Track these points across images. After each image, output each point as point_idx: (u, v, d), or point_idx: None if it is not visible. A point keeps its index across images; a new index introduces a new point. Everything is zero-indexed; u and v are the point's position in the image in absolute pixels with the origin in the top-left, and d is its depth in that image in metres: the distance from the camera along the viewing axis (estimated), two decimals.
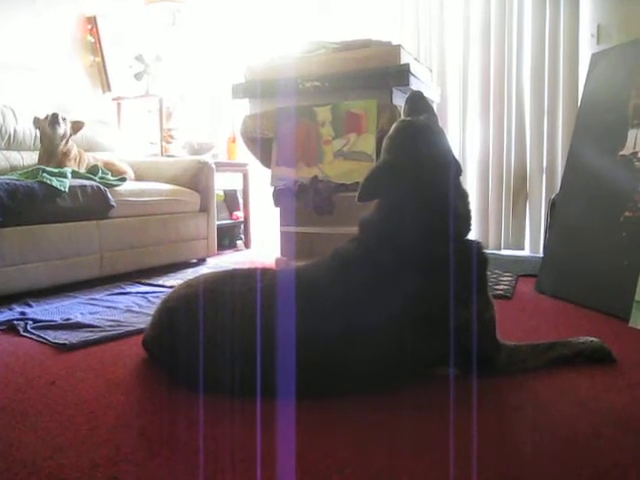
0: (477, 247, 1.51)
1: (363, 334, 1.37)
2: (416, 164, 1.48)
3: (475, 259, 1.47)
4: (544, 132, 3.70)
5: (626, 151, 2.35)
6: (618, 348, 1.65)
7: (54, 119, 3.17)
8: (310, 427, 1.21)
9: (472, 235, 1.58)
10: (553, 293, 2.53)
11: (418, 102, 1.67)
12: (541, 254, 3.29)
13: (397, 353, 1.39)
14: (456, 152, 3.88)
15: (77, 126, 3.32)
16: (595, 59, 2.76)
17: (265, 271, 1.57)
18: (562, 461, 1.07)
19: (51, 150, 3.18)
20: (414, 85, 2.93)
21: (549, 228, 2.92)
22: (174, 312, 1.51)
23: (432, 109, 1.69)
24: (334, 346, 1.36)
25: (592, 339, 1.64)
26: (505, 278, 2.93)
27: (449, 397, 1.35)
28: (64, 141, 3.22)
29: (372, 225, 1.52)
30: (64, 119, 3.23)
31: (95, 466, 1.05)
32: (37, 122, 3.24)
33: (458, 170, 1.55)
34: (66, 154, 3.22)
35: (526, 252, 3.84)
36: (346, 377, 1.38)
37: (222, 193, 4.58)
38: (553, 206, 2.91)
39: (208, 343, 1.37)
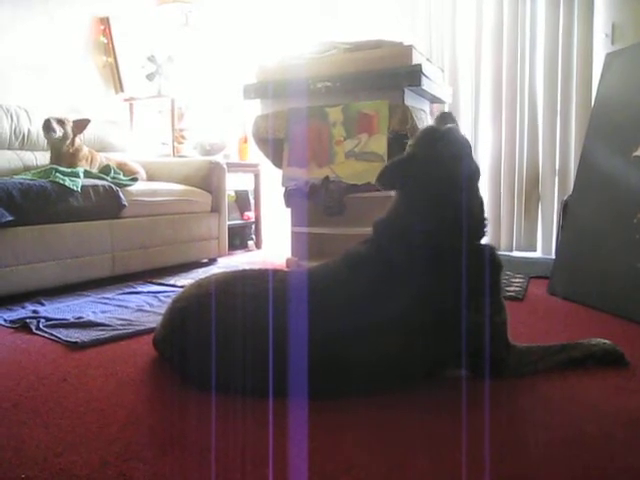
0: (490, 251, 1.51)
1: (373, 333, 1.37)
2: (435, 164, 1.50)
3: (488, 263, 1.46)
4: (557, 132, 3.67)
5: None
6: (630, 351, 1.64)
7: (46, 126, 3.16)
8: (319, 427, 1.21)
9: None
10: (565, 295, 2.51)
11: (446, 119, 1.69)
12: (553, 256, 3.26)
13: (406, 352, 1.39)
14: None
15: (81, 124, 3.31)
16: (609, 59, 2.74)
17: (276, 272, 1.57)
18: (572, 463, 1.06)
19: (56, 153, 3.20)
20: (426, 85, 2.93)
21: (561, 229, 2.89)
22: (184, 312, 1.51)
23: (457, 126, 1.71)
24: (345, 346, 1.36)
25: (604, 341, 1.62)
26: (517, 280, 2.91)
27: (460, 398, 1.34)
28: (67, 142, 3.22)
29: (385, 223, 1.54)
30: (61, 121, 3.21)
31: (105, 463, 1.06)
32: None
33: (476, 175, 1.56)
34: (74, 154, 3.22)
35: (538, 254, 3.82)
36: (358, 377, 1.38)
37: (233, 193, 4.59)
38: (565, 207, 2.89)
39: (218, 343, 1.37)
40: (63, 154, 3.18)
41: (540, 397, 1.40)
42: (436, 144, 1.54)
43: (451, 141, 1.55)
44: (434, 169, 1.50)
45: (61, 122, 3.21)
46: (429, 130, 1.62)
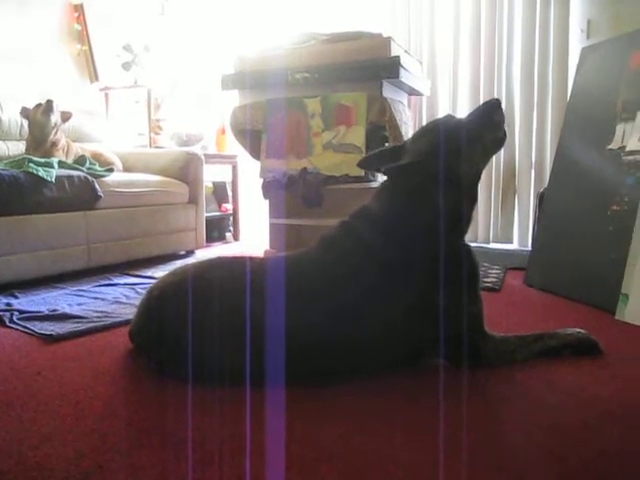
0: (467, 249, 1.53)
1: (351, 316, 1.39)
2: (420, 157, 1.51)
3: (465, 259, 1.49)
4: (533, 126, 3.70)
5: (614, 145, 2.37)
6: (604, 340, 1.66)
7: (49, 106, 3.12)
8: (299, 417, 1.21)
9: None
10: (541, 286, 2.54)
11: (486, 109, 1.60)
12: (530, 247, 3.30)
13: (381, 337, 1.42)
14: None
15: (65, 116, 3.29)
16: (585, 53, 2.77)
17: (253, 258, 1.58)
18: (549, 450, 1.08)
19: (41, 139, 3.13)
20: (404, 77, 2.93)
21: (537, 222, 2.93)
22: (160, 300, 1.50)
23: (487, 118, 1.59)
24: (321, 329, 1.37)
25: (579, 331, 1.65)
26: (494, 271, 2.94)
27: (438, 388, 1.35)
28: (54, 130, 3.18)
29: (363, 209, 1.56)
30: (56, 106, 3.19)
31: (81, 456, 1.05)
32: (25, 111, 3.20)
33: (472, 175, 1.56)
34: (55, 144, 3.18)
35: (515, 245, 3.86)
36: (335, 360, 1.40)
37: (211, 185, 4.56)
38: (541, 200, 2.92)
39: (195, 330, 1.36)
40: (45, 142, 3.13)
41: (517, 386, 1.42)
42: (433, 137, 1.53)
43: (451, 138, 1.51)
44: (418, 162, 1.50)
45: (56, 107, 3.18)
46: (435, 122, 1.62)
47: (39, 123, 3.14)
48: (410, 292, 1.42)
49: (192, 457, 1.04)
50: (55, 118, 3.17)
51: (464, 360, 1.45)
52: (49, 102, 3.13)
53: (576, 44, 3.46)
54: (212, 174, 4.40)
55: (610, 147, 2.38)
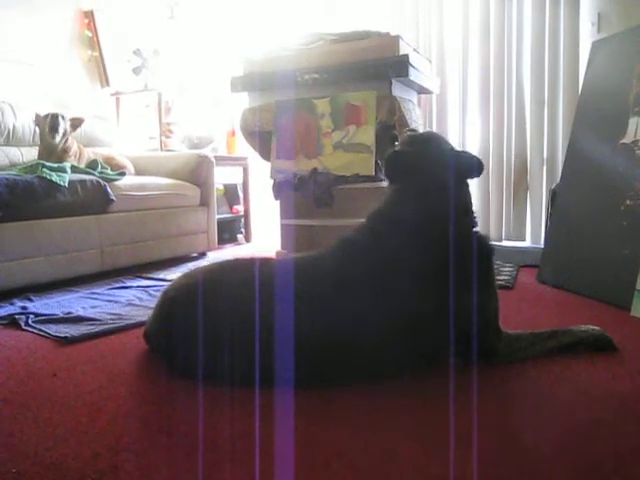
0: (480, 238, 1.53)
1: (370, 318, 1.38)
2: (425, 159, 1.55)
3: (479, 248, 1.48)
4: (544, 122, 3.68)
5: (627, 139, 2.34)
6: (619, 337, 1.65)
7: (54, 122, 3.15)
8: (310, 415, 1.21)
9: None
10: (554, 283, 2.52)
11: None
12: (542, 245, 3.28)
13: (404, 338, 1.40)
14: (456, 143, 3.85)
15: (76, 122, 3.31)
16: (595, 47, 2.75)
17: (266, 260, 1.58)
18: (562, 448, 1.07)
19: (51, 149, 3.17)
20: (413, 76, 2.92)
21: (550, 218, 2.91)
22: (174, 301, 1.51)
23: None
24: (341, 332, 1.36)
25: (593, 327, 1.64)
26: (506, 268, 2.92)
27: (450, 385, 1.35)
28: (64, 140, 3.21)
29: (380, 212, 1.55)
30: (63, 117, 3.21)
31: (96, 456, 1.06)
32: (38, 119, 3.23)
33: (466, 169, 1.57)
34: (66, 150, 3.21)
35: (527, 243, 3.83)
36: (352, 362, 1.38)
37: (222, 187, 4.57)
38: (554, 196, 2.90)
39: (208, 331, 1.37)
40: (55, 151, 3.16)
41: (530, 383, 1.41)
42: (423, 143, 1.60)
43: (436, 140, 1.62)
44: (425, 164, 1.54)
45: (63, 118, 3.21)
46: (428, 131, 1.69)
47: (47, 136, 3.18)
48: (428, 292, 1.41)
49: (204, 457, 1.05)
50: (62, 129, 3.18)
51: (477, 357, 1.44)
52: (53, 118, 3.16)
53: (587, 38, 3.43)
54: (223, 176, 4.41)
55: (623, 141, 2.36)
